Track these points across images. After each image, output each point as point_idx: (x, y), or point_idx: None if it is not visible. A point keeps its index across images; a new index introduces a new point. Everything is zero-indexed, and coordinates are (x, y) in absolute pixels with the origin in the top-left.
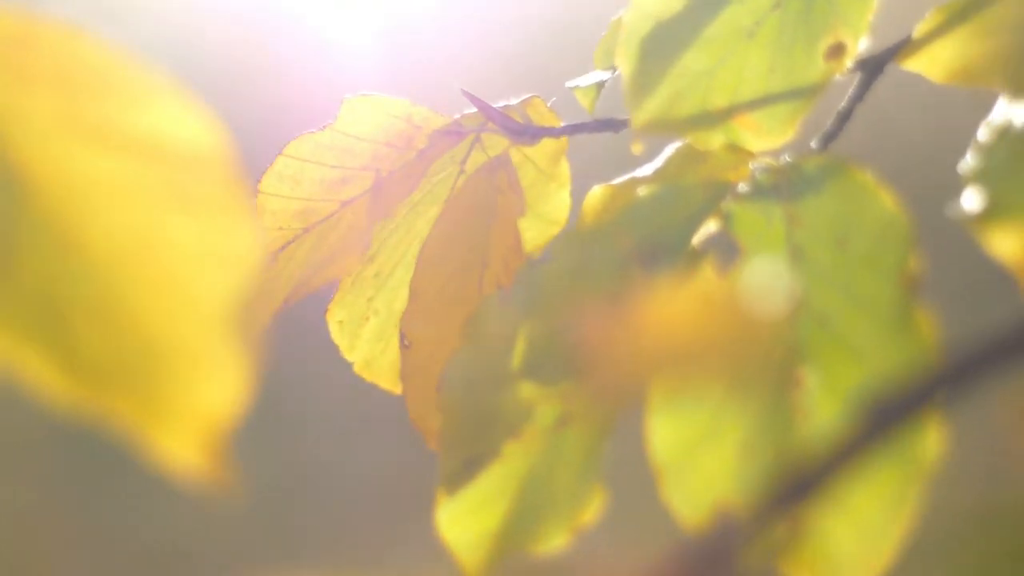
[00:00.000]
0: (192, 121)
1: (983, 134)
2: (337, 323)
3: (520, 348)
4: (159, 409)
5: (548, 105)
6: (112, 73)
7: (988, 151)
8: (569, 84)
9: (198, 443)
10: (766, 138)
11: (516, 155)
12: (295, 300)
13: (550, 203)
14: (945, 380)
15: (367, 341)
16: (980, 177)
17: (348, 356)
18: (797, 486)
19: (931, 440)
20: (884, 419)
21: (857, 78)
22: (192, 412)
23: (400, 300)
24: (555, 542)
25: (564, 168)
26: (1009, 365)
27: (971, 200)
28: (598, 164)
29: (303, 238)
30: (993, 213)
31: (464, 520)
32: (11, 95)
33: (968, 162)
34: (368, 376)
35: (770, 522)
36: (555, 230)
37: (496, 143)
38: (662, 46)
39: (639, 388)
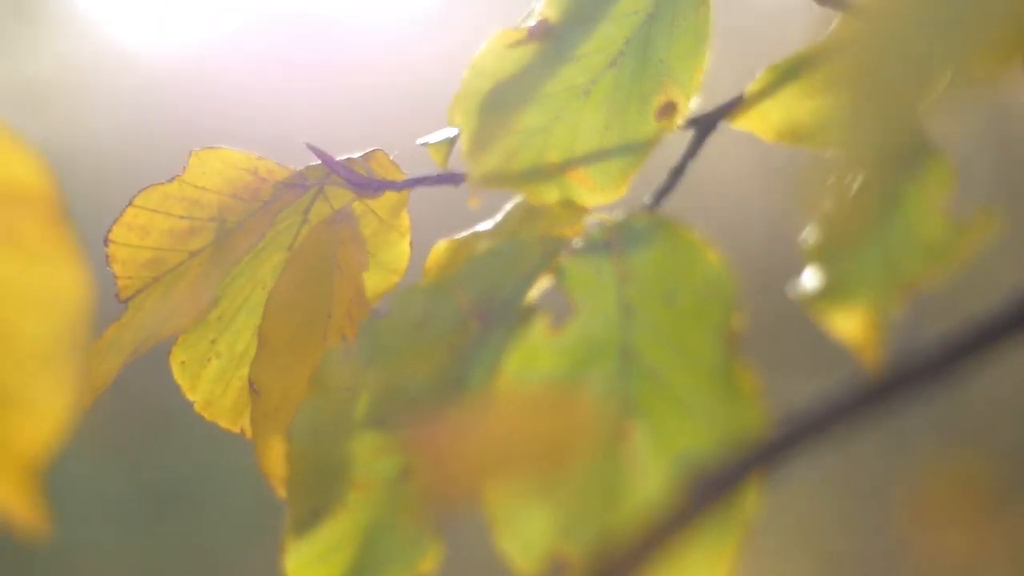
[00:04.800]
0: (17, 161)
1: (821, 204)
2: (180, 363)
3: (364, 400)
4: None
5: (391, 159)
6: None
7: (827, 225)
8: (420, 141)
9: (13, 481)
10: (599, 194)
11: (359, 207)
12: (145, 349)
13: (391, 253)
14: (766, 450)
15: (208, 382)
16: (820, 255)
17: (189, 396)
18: (628, 553)
19: (751, 501)
20: (707, 490)
21: (689, 136)
22: (8, 452)
23: (242, 343)
24: None
25: (404, 219)
26: (830, 434)
27: (811, 279)
28: (444, 218)
29: (152, 287)
30: (834, 295)
31: (310, 568)
32: None
33: (808, 236)
34: (209, 416)
35: None
36: (395, 279)
37: (340, 195)
38: (499, 103)
39: (474, 485)
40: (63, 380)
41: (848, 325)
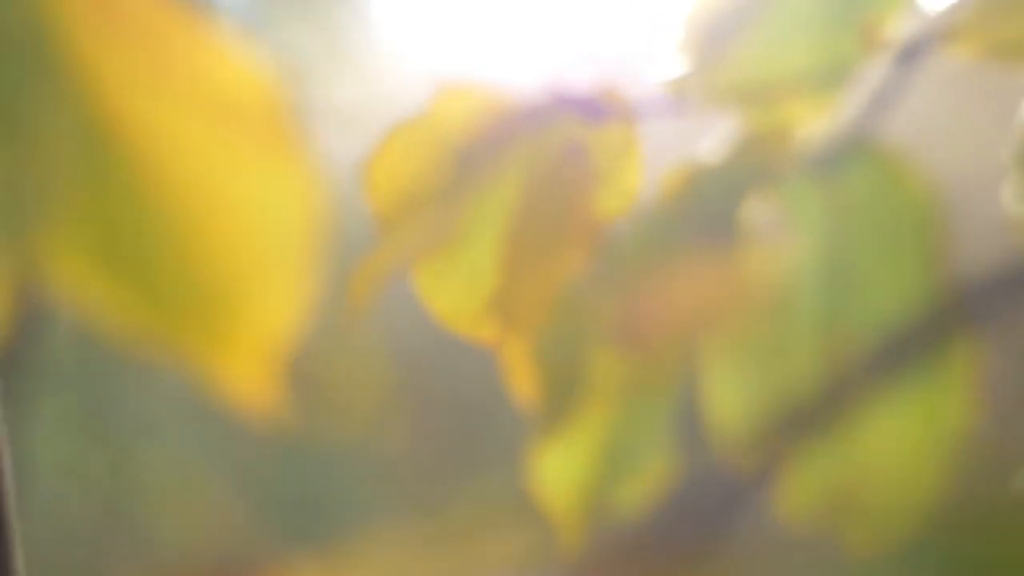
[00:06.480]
0: (261, 80)
1: None
2: (425, 277)
3: (602, 316)
4: (226, 338)
5: (621, 95)
6: (190, 32)
7: None
8: (656, 77)
9: (258, 367)
10: (810, 119)
11: (592, 136)
12: (397, 275)
13: (625, 178)
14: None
15: (452, 294)
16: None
17: (434, 306)
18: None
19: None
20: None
21: (897, 62)
22: (254, 338)
23: (484, 261)
24: (634, 502)
25: (637, 147)
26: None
27: (1017, 192)
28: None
29: (402, 219)
30: None
31: (555, 472)
32: (105, 48)
33: (1014, 150)
34: (452, 323)
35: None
36: (629, 201)
37: (573, 125)
38: (718, 32)
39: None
40: (305, 272)
41: None
